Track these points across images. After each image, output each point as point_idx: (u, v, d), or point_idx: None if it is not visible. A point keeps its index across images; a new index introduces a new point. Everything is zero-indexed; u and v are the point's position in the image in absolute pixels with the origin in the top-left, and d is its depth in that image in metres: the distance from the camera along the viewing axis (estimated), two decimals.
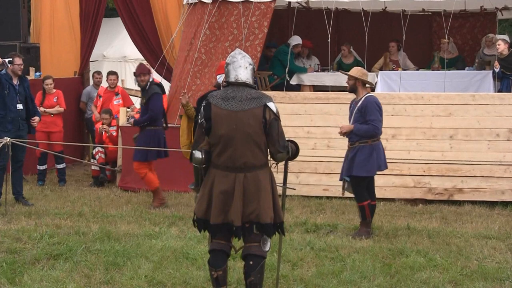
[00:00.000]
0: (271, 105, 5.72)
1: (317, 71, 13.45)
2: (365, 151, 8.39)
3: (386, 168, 8.63)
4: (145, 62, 13.92)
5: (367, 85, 8.67)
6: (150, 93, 10.14)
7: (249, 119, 5.65)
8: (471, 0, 13.83)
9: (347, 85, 12.45)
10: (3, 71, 10.07)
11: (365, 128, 8.40)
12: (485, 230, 8.79)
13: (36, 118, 10.36)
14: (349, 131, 8.52)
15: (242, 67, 5.80)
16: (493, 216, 9.65)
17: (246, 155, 5.68)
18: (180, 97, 10.16)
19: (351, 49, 13.80)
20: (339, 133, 8.67)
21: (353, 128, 8.47)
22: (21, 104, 10.14)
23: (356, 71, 8.66)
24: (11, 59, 10.07)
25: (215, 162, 5.78)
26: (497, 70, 11.53)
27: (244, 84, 5.79)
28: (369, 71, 12.78)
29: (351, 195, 8.77)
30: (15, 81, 10.12)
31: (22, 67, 10.20)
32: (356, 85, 8.58)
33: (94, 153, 12.06)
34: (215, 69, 11.41)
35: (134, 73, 10.24)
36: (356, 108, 8.51)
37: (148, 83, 10.15)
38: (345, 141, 10.63)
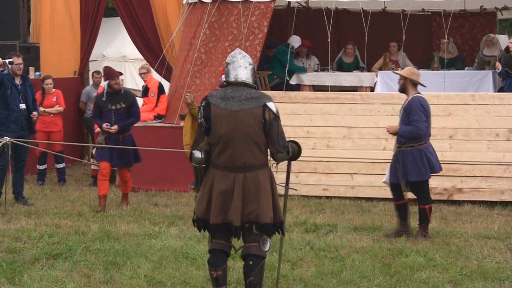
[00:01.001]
0: (270, 105, 5.71)
1: (316, 70, 13.45)
2: (413, 155, 8.25)
3: (441, 169, 8.50)
4: (144, 62, 13.94)
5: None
6: (132, 97, 10.13)
7: (248, 119, 5.65)
8: (471, 0, 13.82)
9: (348, 84, 12.61)
10: (5, 71, 10.08)
11: (409, 130, 8.26)
12: (484, 230, 8.78)
13: (35, 113, 10.35)
14: (395, 132, 8.42)
15: (242, 67, 5.80)
16: (492, 216, 9.65)
17: (246, 155, 5.67)
18: (186, 96, 10.16)
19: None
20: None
21: (398, 130, 8.36)
22: (24, 104, 10.15)
23: (406, 71, 8.59)
24: (11, 59, 10.08)
25: (215, 162, 5.77)
26: (498, 71, 11.51)
27: (243, 84, 5.78)
28: (369, 71, 12.84)
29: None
30: (18, 81, 10.13)
31: (21, 66, 10.19)
32: (405, 84, 8.43)
33: (93, 152, 12.05)
34: (215, 69, 11.44)
35: (107, 77, 9.96)
36: (403, 108, 8.42)
37: (122, 87, 10.10)
38: (344, 141, 10.73)
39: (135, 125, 10.36)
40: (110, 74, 9.97)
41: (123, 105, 9.95)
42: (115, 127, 9.84)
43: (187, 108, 11.29)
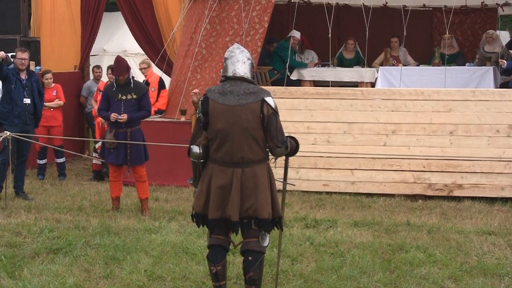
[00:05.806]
0: (269, 99, 5.69)
1: (317, 64, 13.44)
2: None
3: None
4: (145, 57, 13.93)
5: None
6: (144, 89, 9.60)
7: (246, 114, 5.64)
8: None
9: (348, 80, 12.60)
10: (11, 66, 10.08)
11: None
12: (484, 226, 8.79)
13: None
14: None
15: (240, 61, 5.79)
16: (492, 212, 9.65)
17: (244, 150, 5.66)
18: (192, 94, 10.08)
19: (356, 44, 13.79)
20: None
21: None
22: (29, 99, 10.14)
23: None
24: (15, 53, 10.09)
25: (213, 157, 5.77)
26: (504, 66, 11.47)
27: (242, 79, 5.77)
28: (370, 66, 12.83)
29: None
30: (23, 76, 10.12)
31: (24, 61, 10.14)
32: None
33: (96, 147, 12.04)
34: (216, 63, 11.43)
35: (114, 73, 9.38)
36: None
37: (132, 79, 9.54)
38: (345, 137, 10.69)
39: None
40: (117, 70, 9.39)
41: (134, 96, 9.39)
42: (124, 115, 9.23)
43: (188, 103, 11.29)
